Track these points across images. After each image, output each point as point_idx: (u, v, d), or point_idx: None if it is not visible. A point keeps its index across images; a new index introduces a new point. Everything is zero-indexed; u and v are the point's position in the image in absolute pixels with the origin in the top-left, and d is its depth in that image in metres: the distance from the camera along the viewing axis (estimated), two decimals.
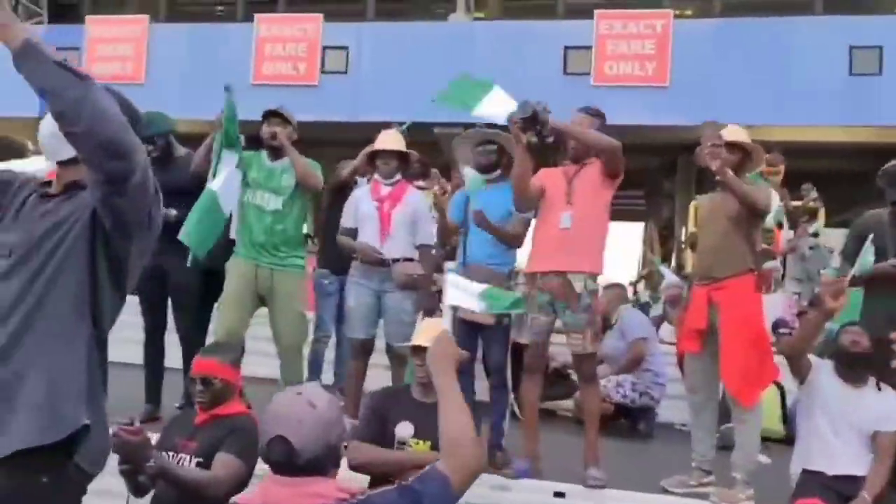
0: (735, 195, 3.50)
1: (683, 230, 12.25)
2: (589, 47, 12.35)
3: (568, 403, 5.19)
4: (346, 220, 4.22)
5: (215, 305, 4.14)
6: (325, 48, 12.96)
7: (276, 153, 4.01)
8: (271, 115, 4.04)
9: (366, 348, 4.10)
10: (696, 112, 12.32)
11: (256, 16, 13.12)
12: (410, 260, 4.04)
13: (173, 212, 3.95)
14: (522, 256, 3.93)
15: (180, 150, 4.24)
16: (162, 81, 12.38)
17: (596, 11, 12.47)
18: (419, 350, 2.87)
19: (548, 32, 12.74)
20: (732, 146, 3.58)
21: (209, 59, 12.35)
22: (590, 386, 3.71)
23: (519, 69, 11.95)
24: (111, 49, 13.21)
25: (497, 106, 3.40)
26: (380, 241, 4.00)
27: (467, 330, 3.74)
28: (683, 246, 10.89)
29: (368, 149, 4.20)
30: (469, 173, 3.86)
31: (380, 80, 12.41)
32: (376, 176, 4.23)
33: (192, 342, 4.05)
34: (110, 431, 2.04)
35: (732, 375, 3.50)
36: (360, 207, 4.14)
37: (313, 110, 12.51)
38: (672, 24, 12.18)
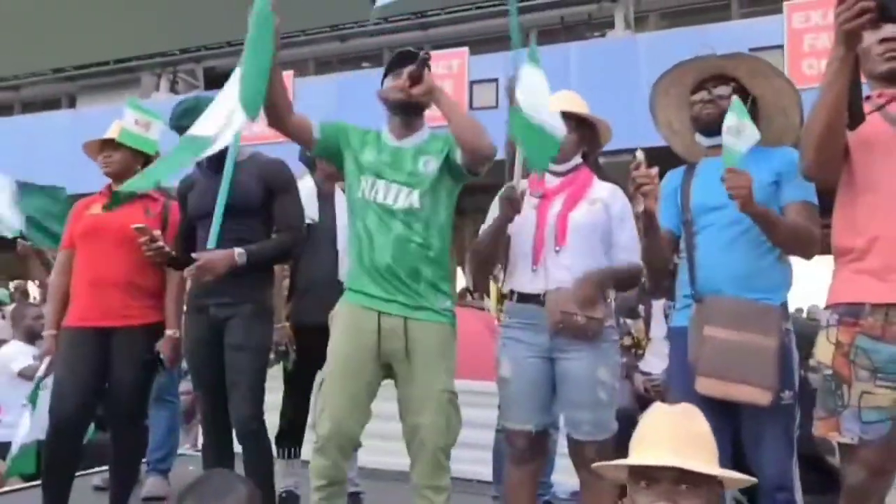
0: None
1: None
2: (780, 46, 10.49)
3: None
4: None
5: (315, 383, 2.81)
6: (472, 83, 11.98)
7: (408, 120, 2.44)
8: (407, 57, 2.36)
9: (534, 446, 2.47)
10: None
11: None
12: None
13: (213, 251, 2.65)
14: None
15: (243, 151, 2.92)
16: None
17: (786, 4, 10.66)
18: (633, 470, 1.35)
19: (725, 36, 10.94)
20: None
21: (356, 107, 11.72)
22: None
23: None
24: None
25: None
26: (537, 260, 2.45)
27: (713, 413, 2.12)
28: None
29: None
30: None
31: None
32: None
33: (260, 443, 2.75)
34: None
35: None
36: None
37: None
38: None
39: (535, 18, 13.63)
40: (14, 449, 2.75)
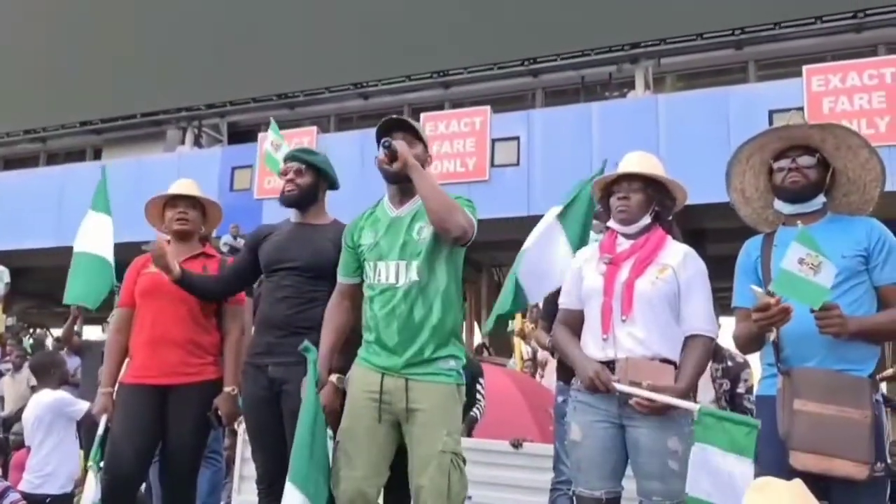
0: None
1: None
2: (799, 108, 10.60)
3: None
4: (565, 298, 2.63)
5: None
6: (493, 141, 12.14)
7: (403, 188, 2.54)
8: (392, 125, 2.56)
9: None
10: None
11: (423, 115, 12.64)
12: (669, 363, 2.39)
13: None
14: None
15: (325, 214, 2.96)
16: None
17: (805, 67, 10.80)
18: None
19: (744, 98, 11.12)
20: None
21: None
22: None
23: (714, 141, 10.36)
24: None
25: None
26: (606, 329, 2.41)
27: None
28: None
29: (606, 176, 2.64)
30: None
31: (555, 167, 11.27)
32: (611, 223, 2.62)
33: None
34: None
35: None
36: (586, 275, 2.56)
37: (485, 207, 11.45)
38: None
39: (554, 78, 13.90)
40: None
